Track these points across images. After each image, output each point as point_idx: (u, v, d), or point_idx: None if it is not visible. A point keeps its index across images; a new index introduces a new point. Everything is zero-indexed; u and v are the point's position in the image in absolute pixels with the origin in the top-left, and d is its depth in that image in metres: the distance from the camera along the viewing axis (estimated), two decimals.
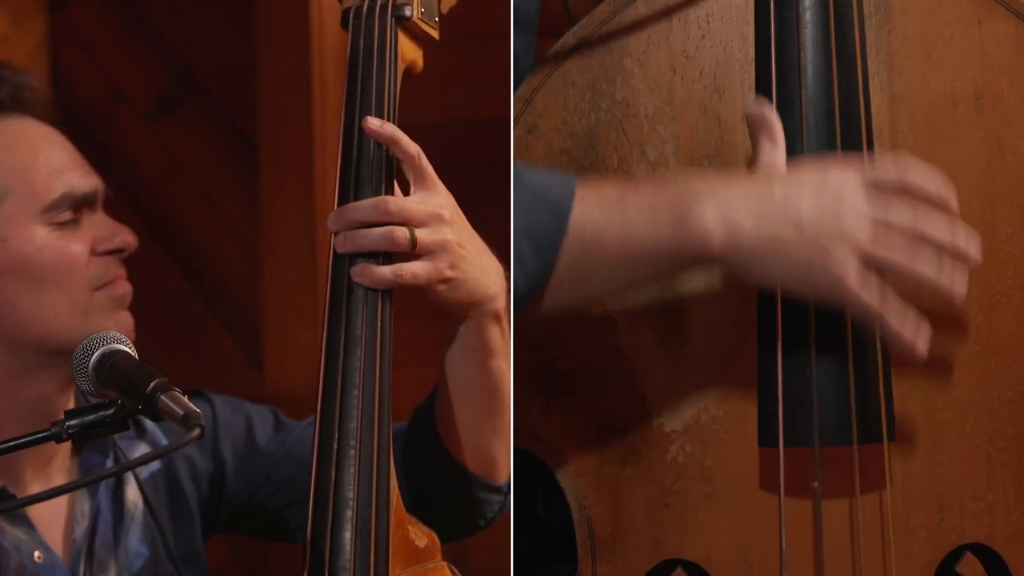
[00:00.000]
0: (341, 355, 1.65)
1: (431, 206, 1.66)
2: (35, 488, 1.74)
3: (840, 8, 1.63)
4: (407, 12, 1.74)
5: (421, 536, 1.67)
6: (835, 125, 1.63)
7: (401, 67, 1.74)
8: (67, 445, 1.77)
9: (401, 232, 1.65)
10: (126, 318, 1.78)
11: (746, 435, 1.66)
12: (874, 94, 1.65)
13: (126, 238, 1.78)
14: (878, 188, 1.54)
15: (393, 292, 1.67)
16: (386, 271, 1.65)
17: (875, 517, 1.66)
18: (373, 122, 1.67)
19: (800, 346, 1.62)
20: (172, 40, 2.62)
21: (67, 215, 1.75)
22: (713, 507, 1.67)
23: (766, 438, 1.64)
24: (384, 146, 1.68)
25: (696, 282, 1.65)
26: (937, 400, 1.67)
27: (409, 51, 1.76)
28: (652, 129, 1.65)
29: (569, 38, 1.66)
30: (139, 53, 2.63)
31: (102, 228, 1.78)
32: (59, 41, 2.64)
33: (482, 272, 1.68)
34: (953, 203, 1.56)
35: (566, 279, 1.55)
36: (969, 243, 1.55)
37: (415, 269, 1.65)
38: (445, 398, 1.78)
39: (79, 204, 1.76)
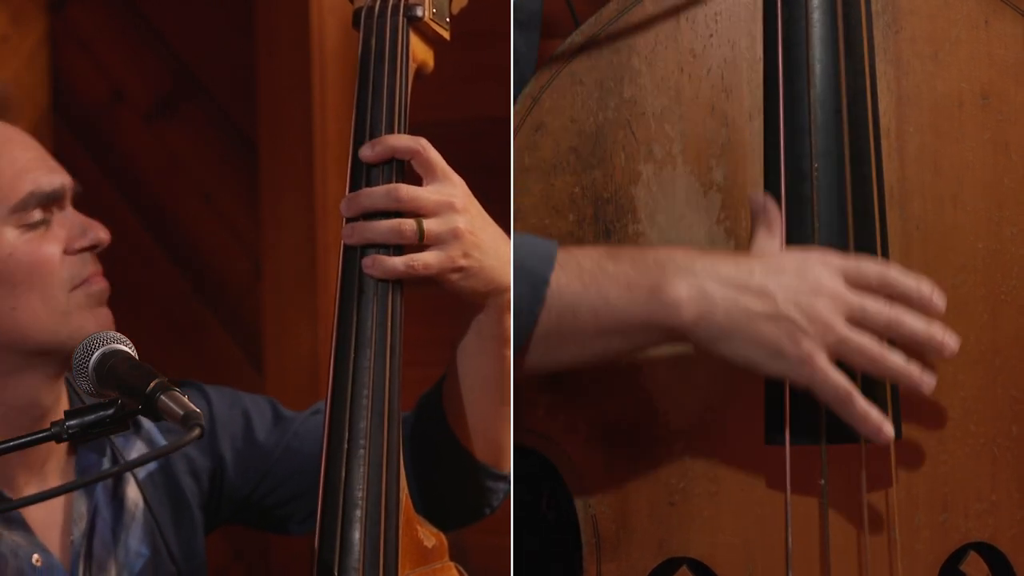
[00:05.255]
0: (351, 354, 1.64)
1: (443, 195, 1.66)
2: (30, 491, 1.72)
3: (848, 8, 1.63)
4: (419, 13, 1.74)
5: (429, 536, 1.67)
6: (842, 125, 1.63)
7: (412, 67, 1.74)
8: (62, 446, 1.75)
9: (408, 225, 1.65)
10: (106, 314, 1.74)
11: (752, 434, 1.65)
12: (881, 94, 1.65)
13: (98, 234, 1.74)
14: (859, 280, 1.55)
15: (403, 290, 1.67)
16: (398, 262, 1.65)
17: (881, 516, 1.66)
18: (365, 151, 1.68)
19: None
20: (172, 40, 2.62)
21: (37, 215, 1.70)
22: (719, 506, 1.67)
23: (773, 436, 1.64)
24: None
25: None
26: (941, 400, 1.67)
27: (420, 52, 1.76)
28: (659, 128, 1.65)
29: (577, 36, 1.66)
30: (139, 53, 2.62)
31: (73, 226, 1.73)
32: (59, 41, 2.64)
33: (498, 260, 1.68)
34: (936, 303, 1.56)
35: (540, 346, 1.57)
36: (946, 336, 1.56)
37: (427, 259, 1.65)
38: (456, 387, 1.78)
39: (47, 202, 1.71)
